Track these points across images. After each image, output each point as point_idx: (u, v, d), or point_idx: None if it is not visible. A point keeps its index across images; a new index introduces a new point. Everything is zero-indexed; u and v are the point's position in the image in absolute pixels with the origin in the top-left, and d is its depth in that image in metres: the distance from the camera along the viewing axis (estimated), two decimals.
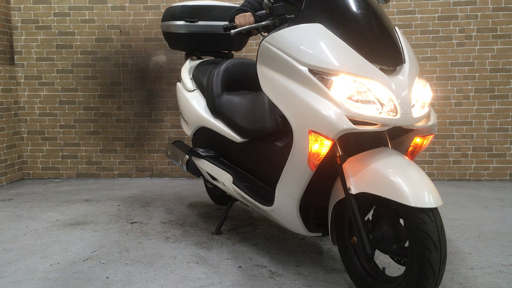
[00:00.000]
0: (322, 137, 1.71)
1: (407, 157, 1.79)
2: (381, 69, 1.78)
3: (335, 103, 1.71)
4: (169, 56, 4.28)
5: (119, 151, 4.39)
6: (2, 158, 4.13)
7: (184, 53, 4.00)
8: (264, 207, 2.15)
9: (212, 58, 3.14)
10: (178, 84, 3.01)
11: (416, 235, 1.59)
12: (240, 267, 2.22)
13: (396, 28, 1.96)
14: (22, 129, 4.40)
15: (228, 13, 3.06)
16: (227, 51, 3.20)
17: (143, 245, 2.52)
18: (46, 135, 4.40)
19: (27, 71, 4.35)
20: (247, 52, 4.22)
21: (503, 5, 4.00)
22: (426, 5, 4.06)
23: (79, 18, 4.29)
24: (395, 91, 1.74)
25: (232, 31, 2.18)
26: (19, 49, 4.34)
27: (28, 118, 4.39)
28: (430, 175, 4.13)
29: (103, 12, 4.27)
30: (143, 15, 4.26)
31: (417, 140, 1.94)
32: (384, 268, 1.86)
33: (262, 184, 2.35)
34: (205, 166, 2.69)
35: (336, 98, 1.71)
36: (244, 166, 2.51)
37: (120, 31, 4.28)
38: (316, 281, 2.05)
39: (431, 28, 4.07)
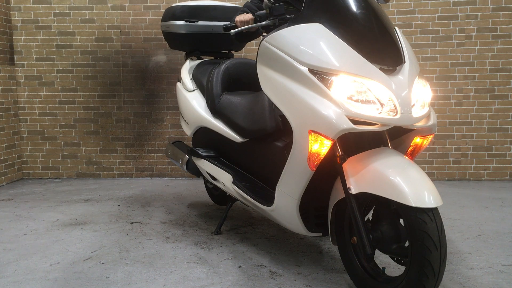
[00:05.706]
0: (322, 137, 1.71)
1: (407, 157, 1.79)
2: (381, 69, 1.78)
3: (335, 103, 1.71)
4: (169, 56, 4.28)
5: (119, 151, 4.39)
6: (2, 158, 4.13)
7: (184, 53, 4.00)
8: (264, 207, 2.15)
9: (212, 58, 3.14)
10: (178, 84, 3.01)
11: (416, 235, 1.59)
12: (240, 267, 2.22)
13: (396, 28, 1.96)
14: (22, 129, 4.40)
15: (228, 13, 3.06)
16: (227, 51, 3.20)
17: (143, 245, 2.52)
18: (46, 135, 4.40)
19: (27, 71, 4.35)
20: (247, 52, 4.22)
21: (503, 5, 4.00)
22: (426, 5, 4.06)
23: (79, 18, 4.29)
24: (395, 91, 1.74)
25: (232, 31, 2.19)
26: (19, 49, 4.33)
27: (28, 118, 4.39)
28: (430, 175, 4.13)
29: (103, 12, 4.27)
30: (143, 15, 4.26)
31: (417, 140, 1.94)
32: (384, 268, 1.86)
33: (262, 184, 2.35)
34: (205, 166, 2.69)
35: (336, 98, 1.71)
36: (244, 166, 2.51)
37: (120, 31, 4.28)
38: (316, 281, 2.05)
39: (431, 28, 4.07)
